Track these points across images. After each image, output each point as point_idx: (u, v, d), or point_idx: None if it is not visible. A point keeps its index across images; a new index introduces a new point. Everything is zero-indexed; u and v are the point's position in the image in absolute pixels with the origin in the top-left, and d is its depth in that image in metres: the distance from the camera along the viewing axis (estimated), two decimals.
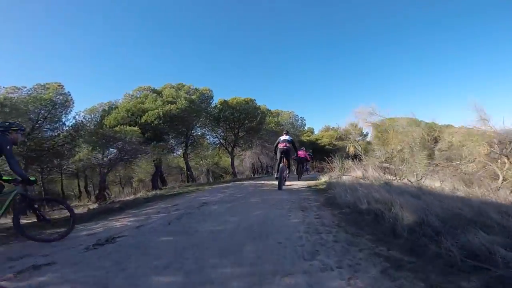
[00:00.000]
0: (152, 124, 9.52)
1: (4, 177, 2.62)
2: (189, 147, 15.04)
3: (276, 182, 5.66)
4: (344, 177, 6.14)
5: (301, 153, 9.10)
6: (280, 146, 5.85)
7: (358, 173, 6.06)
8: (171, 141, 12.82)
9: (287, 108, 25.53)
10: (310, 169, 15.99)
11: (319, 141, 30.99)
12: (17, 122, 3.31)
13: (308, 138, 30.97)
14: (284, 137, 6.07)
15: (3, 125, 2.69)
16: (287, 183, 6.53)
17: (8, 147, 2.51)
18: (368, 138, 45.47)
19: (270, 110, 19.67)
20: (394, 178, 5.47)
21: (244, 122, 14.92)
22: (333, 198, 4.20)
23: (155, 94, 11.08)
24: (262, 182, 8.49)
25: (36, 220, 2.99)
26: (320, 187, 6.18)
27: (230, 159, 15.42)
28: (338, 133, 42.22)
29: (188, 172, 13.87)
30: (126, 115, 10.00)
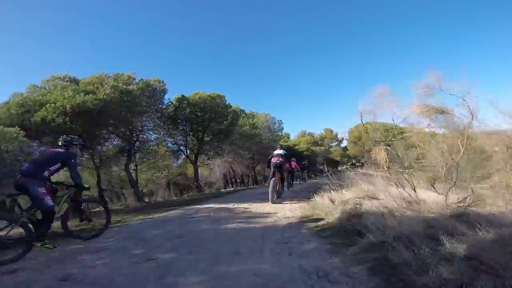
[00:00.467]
0: (53, 123, 5.96)
1: (52, 180, 2.99)
2: (136, 155, 11.43)
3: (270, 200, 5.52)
4: (366, 203, 3.52)
5: (292, 164, 9.30)
6: (274, 160, 5.83)
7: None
8: (103, 146, 9.16)
9: (262, 111, 23.21)
10: (306, 178, 14.88)
11: (296, 147, 29.13)
12: (76, 136, 3.31)
13: (285, 143, 29.01)
14: (278, 151, 6.06)
15: (66, 139, 3.12)
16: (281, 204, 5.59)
17: (72, 160, 2.98)
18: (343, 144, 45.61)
19: (243, 111, 16.94)
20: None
21: (210, 124, 11.91)
22: None
23: (70, 84, 7.48)
24: (236, 206, 5.51)
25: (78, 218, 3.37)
26: (321, 225, 3.42)
27: (194, 170, 12.12)
28: (314, 138, 41.34)
29: (133, 189, 10.23)
30: (16, 111, 6.29)
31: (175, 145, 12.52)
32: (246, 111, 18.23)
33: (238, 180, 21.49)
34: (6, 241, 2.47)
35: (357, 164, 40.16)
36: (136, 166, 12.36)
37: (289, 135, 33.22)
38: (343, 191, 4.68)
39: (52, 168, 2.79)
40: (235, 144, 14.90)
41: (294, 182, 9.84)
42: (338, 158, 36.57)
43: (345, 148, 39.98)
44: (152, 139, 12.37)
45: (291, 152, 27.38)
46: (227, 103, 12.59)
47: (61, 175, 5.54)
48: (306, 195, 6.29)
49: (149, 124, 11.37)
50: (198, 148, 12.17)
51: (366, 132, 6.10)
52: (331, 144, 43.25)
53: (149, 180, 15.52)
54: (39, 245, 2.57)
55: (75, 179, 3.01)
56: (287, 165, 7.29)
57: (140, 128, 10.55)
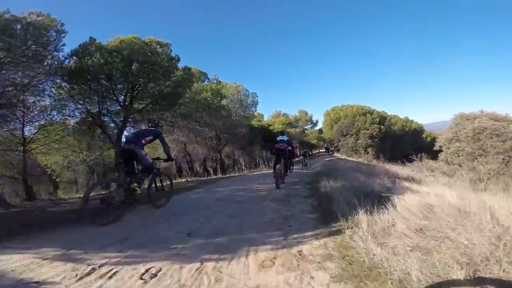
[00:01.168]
0: None
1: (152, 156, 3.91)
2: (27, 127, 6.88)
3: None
4: None
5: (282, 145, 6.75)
6: (277, 146, 5.98)
7: None
8: None
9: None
10: (308, 164, 13.76)
11: (271, 127, 25.95)
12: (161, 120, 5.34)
13: (259, 123, 25.58)
14: (281, 137, 6.27)
15: (154, 122, 4.03)
16: None
17: (162, 135, 3.84)
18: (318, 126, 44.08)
19: (205, 75, 12.67)
20: None
21: (143, 82, 7.65)
22: None
23: None
24: None
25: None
26: None
27: (115, 153, 7.93)
28: (289, 119, 38.75)
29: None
30: None
31: (86, 115, 7.98)
32: (210, 77, 13.91)
33: (198, 168, 17.69)
34: (113, 203, 3.03)
35: (330, 148, 39.28)
36: (23, 143, 7.71)
37: (263, 115, 29.89)
38: None
39: (147, 138, 3.61)
40: (191, 118, 10.86)
41: (293, 168, 9.52)
42: (314, 141, 34.62)
43: (321, 131, 38.32)
44: (48, 104, 7.70)
45: (264, 133, 24.23)
46: (172, 55, 8.29)
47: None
48: None
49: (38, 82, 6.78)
50: (124, 119, 7.90)
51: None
52: (306, 127, 41.25)
53: (63, 165, 10.82)
54: (135, 185, 3.38)
55: (168, 152, 3.93)
56: (289, 149, 6.69)
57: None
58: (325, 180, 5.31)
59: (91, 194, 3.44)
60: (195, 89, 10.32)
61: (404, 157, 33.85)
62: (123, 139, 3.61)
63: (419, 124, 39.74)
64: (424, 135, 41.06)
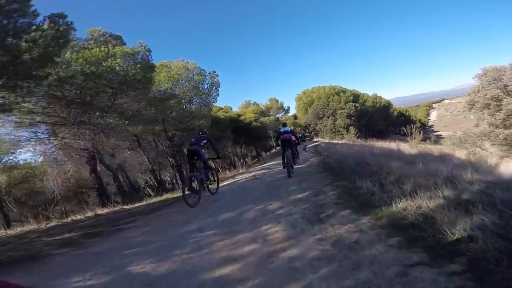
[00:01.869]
0: None
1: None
2: None
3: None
4: None
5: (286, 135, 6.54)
6: (282, 137, 6.22)
7: None
8: None
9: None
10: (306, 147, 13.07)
11: (242, 118, 21.88)
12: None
13: (226, 114, 21.24)
14: (284, 128, 6.54)
15: (204, 130, 5.45)
16: None
17: (212, 140, 5.38)
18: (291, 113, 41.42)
19: (119, 39, 7.81)
20: None
21: None
22: None
23: None
24: None
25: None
26: None
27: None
28: (260, 108, 35.11)
29: None
30: None
31: None
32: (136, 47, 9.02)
33: (151, 180, 12.89)
34: (196, 191, 4.50)
35: (306, 135, 36.93)
36: None
37: (231, 108, 25.61)
38: None
39: (203, 141, 4.94)
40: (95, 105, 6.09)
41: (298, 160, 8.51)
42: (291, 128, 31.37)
43: (295, 117, 35.52)
44: None
45: (235, 125, 20.05)
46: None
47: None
48: None
49: None
50: None
51: None
52: (278, 115, 38.16)
53: None
54: (208, 182, 4.97)
55: (219, 152, 5.73)
56: (293, 138, 6.81)
57: None
58: None
59: None
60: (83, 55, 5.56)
61: (378, 133, 33.11)
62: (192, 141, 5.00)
63: (387, 100, 39.64)
64: (391, 110, 41.35)
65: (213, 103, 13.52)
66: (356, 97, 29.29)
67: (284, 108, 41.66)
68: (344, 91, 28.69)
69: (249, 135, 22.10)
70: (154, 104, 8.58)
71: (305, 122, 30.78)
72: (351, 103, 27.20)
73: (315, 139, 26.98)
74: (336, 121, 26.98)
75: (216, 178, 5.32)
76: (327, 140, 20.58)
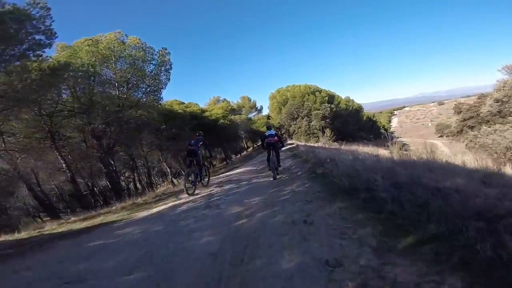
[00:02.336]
0: None
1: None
2: None
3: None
4: None
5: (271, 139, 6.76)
6: (267, 141, 6.39)
7: None
8: None
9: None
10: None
11: (206, 114, 18.87)
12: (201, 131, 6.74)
13: (186, 109, 17.96)
14: (269, 132, 6.66)
15: (200, 133, 6.28)
16: None
17: (207, 142, 6.28)
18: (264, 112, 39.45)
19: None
20: None
21: None
22: None
23: None
24: None
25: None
26: None
27: None
28: (231, 105, 32.35)
29: None
30: None
31: None
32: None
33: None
34: (193, 183, 5.60)
35: (279, 135, 35.23)
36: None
37: (198, 104, 22.40)
38: None
39: (200, 143, 5.89)
40: None
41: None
42: (264, 129, 29.25)
43: (269, 117, 33.55)
44: None
45: (198, 122, 16.98)
46: None
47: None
48: None
49: None
50: None
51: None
52: (251, 115, 35.85)
53: None
54: (200, 179, 5.86)
55: (211, 153, 6.86)
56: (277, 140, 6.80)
57: None
58: None
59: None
60: None
61: (350, 137, 32.83)
62: (191, 143, 5.99)
63: (358, 104, 40.12)
64: (361, 114, 42.11)
65: (162, 89, 10.36)
66: (331, 98, 28.42)
67: (257, 107, 39.63)
68: (319, 90, 27.56)
69: (216, 135, 19.19)
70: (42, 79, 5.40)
71: (279, 123, 28.91)
72: (326, 104, 26.10)
73: (289, 141, 25.27)
74: (311, 122, 25.58)
75: (207, 173, 6.44)
76: (303, 143, 18.76)
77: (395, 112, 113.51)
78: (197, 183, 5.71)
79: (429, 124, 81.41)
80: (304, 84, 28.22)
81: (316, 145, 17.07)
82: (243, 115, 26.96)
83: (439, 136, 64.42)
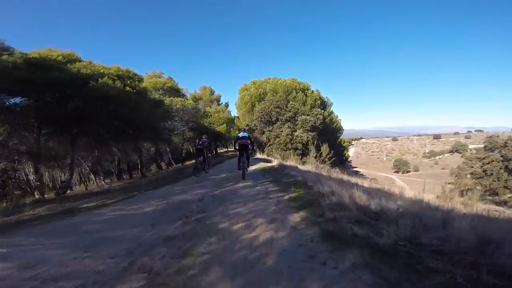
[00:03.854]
0: None
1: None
2: None
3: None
4: None
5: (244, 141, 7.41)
6: (240, 142, 6.83)
7: None
8: None
9: None
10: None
11: (84, 71, 8.21)
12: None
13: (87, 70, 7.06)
14: (243, 134, 6.98)
15: (206, 136, 10.20)
16: None
17: (211, 143, 16.36)
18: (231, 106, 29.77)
19: None
20: None
21: None
22: None
23: None
24: None
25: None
26: None
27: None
28: (175, 84, 21.77)
29: None
30: None
31: None
32: None
33: None
34: (200, 169, 8.95)
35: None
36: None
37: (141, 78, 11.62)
38: None
39: (206, 143, 9.19)
40: None
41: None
42: (222, 130, 18.71)
43: (234, 118, 23.88)
44: None
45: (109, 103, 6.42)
46: None
47: None
48: None
49: None
50: None
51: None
52: (206, 108, 25.70)
53: None
54: (204, 168, 9.15)
55: (212, 150, 17.04)
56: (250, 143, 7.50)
57: None
58: None
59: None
60: None
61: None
62: (199, 143, 9.15)
63: (340, 123, 34.12)
64: (339, 136, 36.31)
65: None
66: (323, 103, 20.64)
67: (221, 102, 29.80)
68: (311, 90, 19.48)
69: (98, 116, 8.46)
70: None
71: (247, 126, 19.38)
72: (318, 109, 18.07)
73: (259, 155, 15.74)
74: (295, 131, 16.90)
75: (208, 164, 9.41)
76: (289, 163, 9.70)
77: (353, 142, 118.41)
78: (201, 170, 8.82)
79: (384, 158, 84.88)
80: (291, 78, 19.87)
81: (304, 168, 8.82)
82: (189, 101, 16.65)
83: (395, 172, 65.63)
